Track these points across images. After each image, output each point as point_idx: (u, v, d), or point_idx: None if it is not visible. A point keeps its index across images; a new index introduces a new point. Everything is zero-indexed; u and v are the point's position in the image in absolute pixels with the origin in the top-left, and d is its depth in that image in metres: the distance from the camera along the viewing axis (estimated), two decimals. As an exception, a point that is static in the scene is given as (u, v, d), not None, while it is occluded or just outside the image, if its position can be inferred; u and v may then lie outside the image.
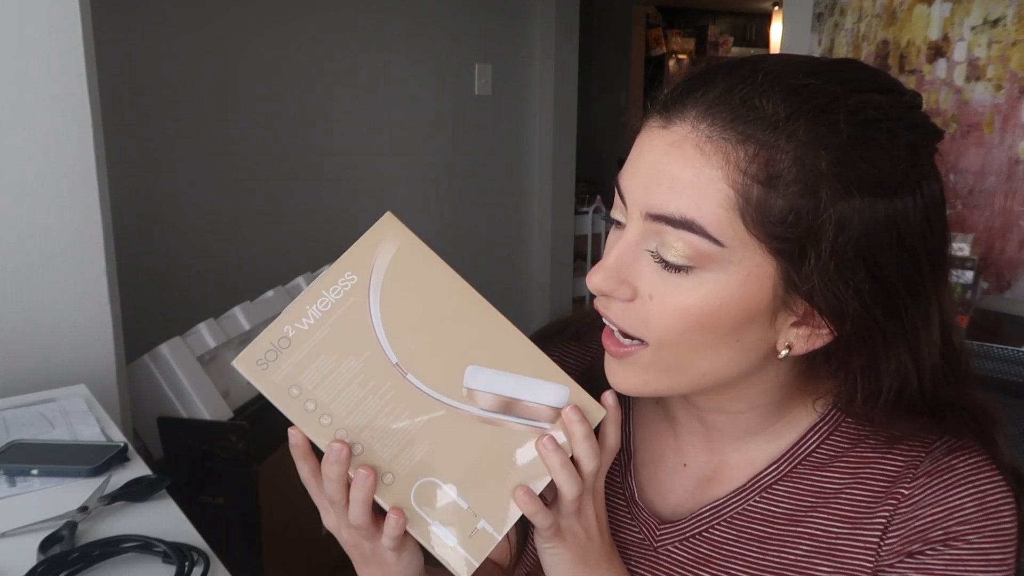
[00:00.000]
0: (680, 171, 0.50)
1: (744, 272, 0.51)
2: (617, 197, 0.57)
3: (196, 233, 2.58)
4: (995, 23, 1.83)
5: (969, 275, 1.61)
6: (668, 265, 0.52)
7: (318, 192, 2.82)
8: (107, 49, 1.62)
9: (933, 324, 0.55)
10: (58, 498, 0.93)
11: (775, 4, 5.05)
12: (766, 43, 5.46)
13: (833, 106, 0.49)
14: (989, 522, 0.53)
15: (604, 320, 0.58)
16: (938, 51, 1.93)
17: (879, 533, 0.56)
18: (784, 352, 0.54)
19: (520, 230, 3.41)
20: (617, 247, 0.55)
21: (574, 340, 0.74)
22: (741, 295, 0.51)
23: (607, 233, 0.61)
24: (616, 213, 0.57)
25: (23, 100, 1.35)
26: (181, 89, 2.48)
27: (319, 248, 2.73)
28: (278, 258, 2.67)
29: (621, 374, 0.58)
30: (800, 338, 0.54)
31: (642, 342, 0.55)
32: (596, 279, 0.55)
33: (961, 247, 1.62)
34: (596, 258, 3.93)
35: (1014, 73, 1.81)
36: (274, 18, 2.62)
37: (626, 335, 0.56)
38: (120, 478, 0.98)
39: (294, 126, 2.72)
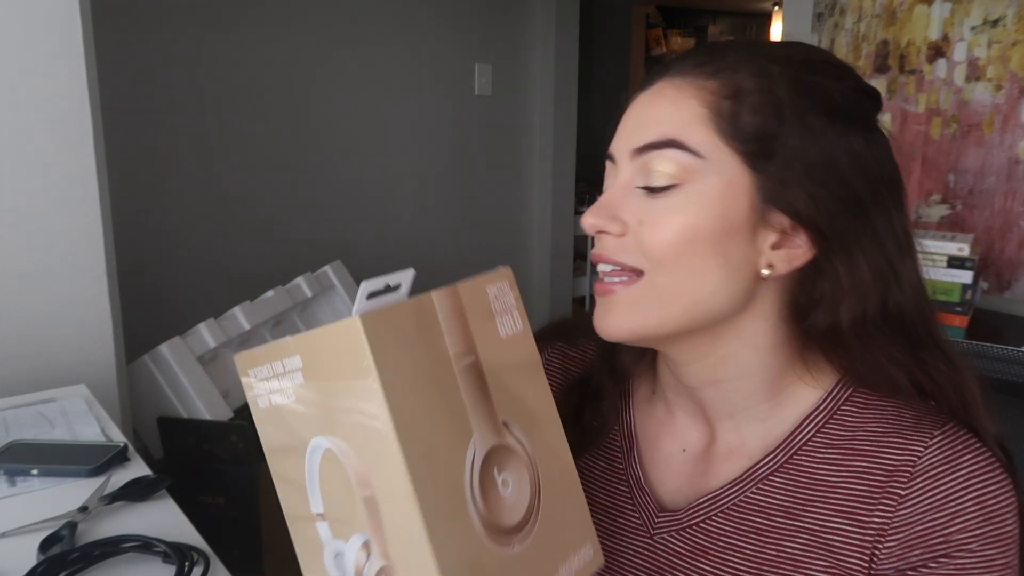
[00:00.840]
0: (660, 108, 0.59)
1: (723, 182, 0.56)
2: (607, 166, 0.62)
3: (196, 233, 2.58)
4: (995, 23, 1.83)
5: (969, 275, 1.61)
6: (654, 190, 0.57)
7: (318, 192, 2.82)
8: (107, 49, 1.62)
9: (907, 245, 0.59)
10: (58, 498, 0.93)
11: (775, 4, 5.05)
12: (766, 43, 5.46)
13: (785, 44, 0.61)
14: (991, 527, 0.53)
15: (598, 263, 0.61)
16: (938, 51, 1.93)
17: (875, 533, 0.55)
18: (767, 271, 0.57)
19: (520, 230, 3.41)
20: (609, 189, 0.61)
21: (565, 339, 0.77)
22: (722, 205, 0.56)
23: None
24: (607, 182, 0.62)
25: (23, 101, 1.35)
26: (181, 89, 2.48)
27: (319, 248, 2.73)
28: (278, 258, 2.67)
29: (612, 315, 0.59)
30: (781, 259, 0.57)
31: (634, 273, 0.58)
32: (589, 218, 0.59)
33: (961, 247, 1.62)
34: (596, 258, 3.95)
35: (1014, 73, 1.81)
36: (274, 18, 2.62)
37: (621, 268, 0.59)
38: (120, 478, 0.98)
39: (294, 126, 2.73)
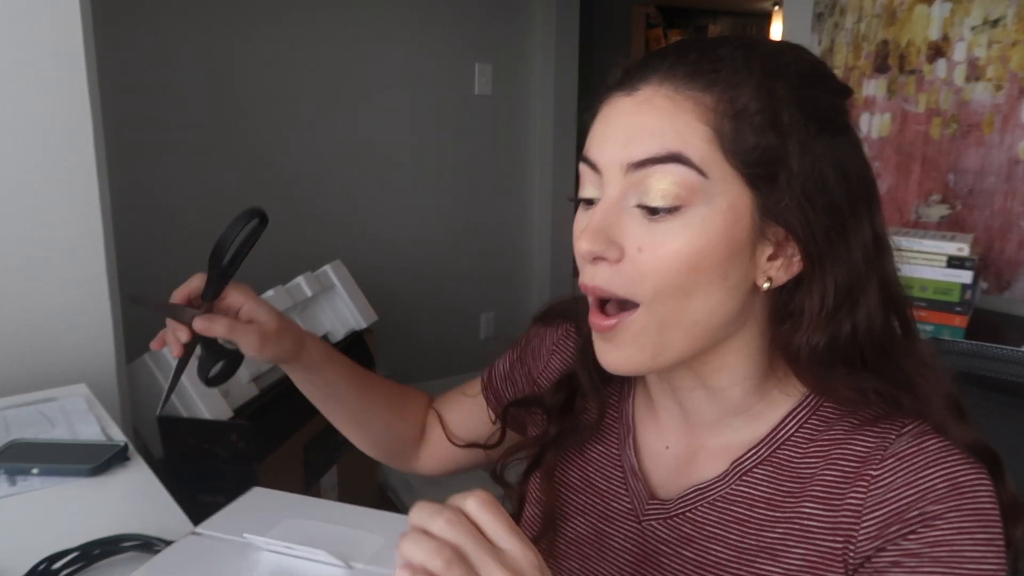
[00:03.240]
0: (655, 120, 0.55)
1: (726, 204, 0.54)
2: (586, 173, 0.59)
3: (196, 232, 2.57)
4: (995, 23, 1.83)
5: (969, 275, 1.61)
6: (654, 212, 0.54)
7: (318, 192, 2.82)
8: (107, 49, 1.62)
9: (876, 254, 0.58)
10: (58, 497, 0.93)
11: (775, 4, 5.05)
12: (766, 43, 5.45)
13: (780, 52, 0.57)
14: (964, 500, 0.53)
15: (590, 295, 0.59)
16: (938, 51, 1.93)
17: (851, 517, 0.56)
18: (766, 285, 0.57)
19: (520, 230, 3.41)
20: (600, 208, 0.56)
21: (572, 320, 0.77)
22: (724, 228, 0.54)
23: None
24: (587, 190, 0.59)
25: (23, 100, 1.35)
26: (181, 88, 2.48)
27: (319, 248, 2.73)
28: (278, 258, 2.66)
29: (612, 351, 0.58)
30: (778, 269, 0.57)
31: (631, 309, 0.56)
32: (584, 243, 0.56)
33: (961, 247, 1.62)
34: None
35: (1014, 73, 1.81)
36: (274, 18, 2.62)
37: (614, 301, 0.57)
38: (120, 477, 0.97)
39: (294, 125, 2.72)
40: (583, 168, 0.59)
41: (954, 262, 1.61)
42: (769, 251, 0.56)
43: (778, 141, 0.54)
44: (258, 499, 0.56)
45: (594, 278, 0.57)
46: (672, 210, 0.54)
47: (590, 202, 0.59)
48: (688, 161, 0.53)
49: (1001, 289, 1.88)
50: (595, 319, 0.58)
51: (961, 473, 0.54)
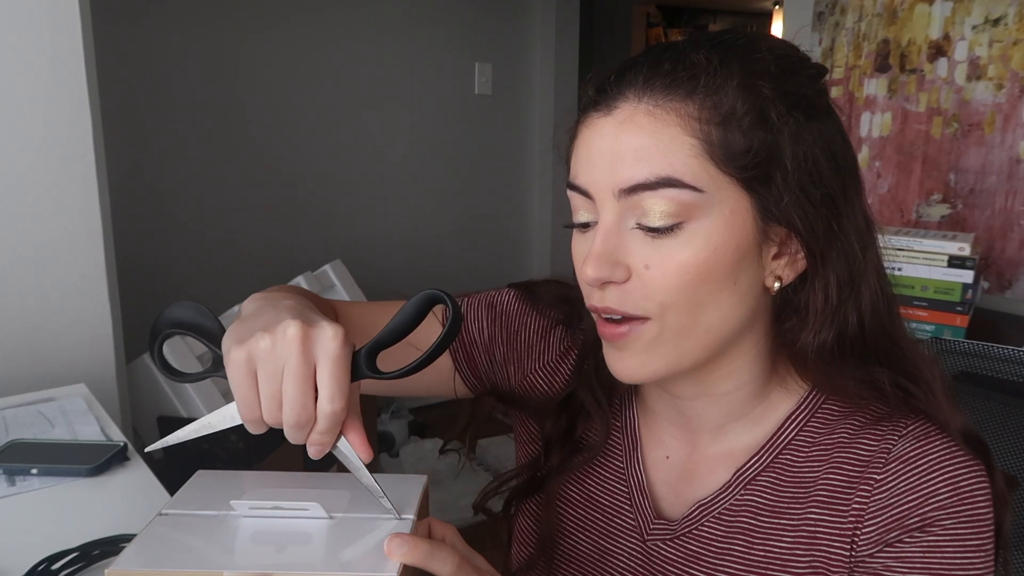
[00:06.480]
0: (639, 141, 0.53)
1: (727, 211, 0.53)
2: (576, 199, 0.57)
3: (196, 232, 2.58)
4: (996, 22, 1.82)
5: (969, 275, 1.60)
6: (656, 231, 0.53)
7: (318, 191, 2.82)
8: (107, 48, 1.62)
9: (869, 238, 0.57)
10: (57, 497, 0.93)
11: (776, 3, 5.04)
12: (766, 42, 5.44)
13: (754, 45, 0.55)
14: (963, 507, 0.53)
15: (602, 313, 0.57)
16: (939, 50, 1.92)
17: (854, 520, 0.56)
18: (776, 285, 0.56)
19: (520, 230, 3.40)
20: (599, 233, 0.55)
21: (563, 322, 0.73)
22: (729, 235, 0.53)
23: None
24: (580, 215, 0.58)
25: (23, 99, 1.35)
26: (182, 88, 2.48)
27: (319, 247, 2.73)
28: (278, 258, 2.67)
29: (626, 359, 0.57)
30: (784, 267, 0.56)
31: (642, 319, 0.55)
32: (590, 270, 0.54)
33: (962, 247, 1.62)
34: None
35: (1015, 72, 1.81)
36: (274, 17, 2.62)
37: (626, 318, 0.55)
38: (119, 477, 0.97)
39: (294, 125, 2.72)
40: (573, 195, 0.57)
41: (955, 262, 1.61)
42: (774, 250, 0.56)
43: (769, 138, 0.52)
44: (210, 479, 0.57)
45: (604, 300, 0.56)
46: (673, 227, 0.53)
47: (585, 226, 0.58)
48: (679, 183, 0.52)
49: (1002, 289, 1.88)
50: (607, 330, 0.57)
51: (963, 477, 0.54)
